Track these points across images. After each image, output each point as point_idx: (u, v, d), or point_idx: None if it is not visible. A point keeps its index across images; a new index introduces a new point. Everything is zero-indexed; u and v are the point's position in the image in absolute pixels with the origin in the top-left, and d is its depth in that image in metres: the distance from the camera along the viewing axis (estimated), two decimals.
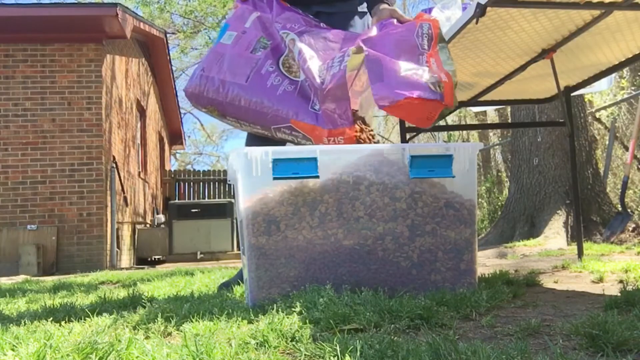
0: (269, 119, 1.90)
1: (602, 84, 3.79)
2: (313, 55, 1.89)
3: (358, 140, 1.85)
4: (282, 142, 2.05)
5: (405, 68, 1.70)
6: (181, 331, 1.29)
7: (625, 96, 7.75)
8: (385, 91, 1.67)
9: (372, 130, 1.93)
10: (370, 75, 1.73)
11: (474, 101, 3.18)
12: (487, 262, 3.69)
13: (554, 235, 4.91)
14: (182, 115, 15.27)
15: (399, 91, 1.65)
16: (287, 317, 1.29)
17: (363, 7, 2.32)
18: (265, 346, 1.09)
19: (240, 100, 1.92)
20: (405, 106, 1.66)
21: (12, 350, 1.10)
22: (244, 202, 1.65)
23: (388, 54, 1.75)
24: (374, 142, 1.91)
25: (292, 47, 1.94)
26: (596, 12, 2.03)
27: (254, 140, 2.20)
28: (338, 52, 1.89)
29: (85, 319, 1.57)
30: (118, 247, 7.25)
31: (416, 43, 1.79)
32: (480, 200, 9.91)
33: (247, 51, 1.98)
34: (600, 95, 8.20)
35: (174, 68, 12.60)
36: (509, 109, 7.71)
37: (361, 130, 1.87)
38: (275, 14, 2.04)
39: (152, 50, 10.04)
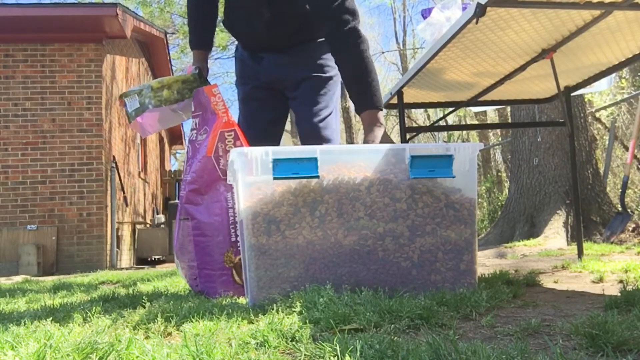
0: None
1: (602, 84, 3.79)
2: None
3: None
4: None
5: None
6: (181, 331, 1.29)
7: (625, 96, 7.75)
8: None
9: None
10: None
11: (474, 101, 3.18)
12: (487, 262, 3.69)
13: (554, 235, 4.90)
14: None
15: None
16: (287, 317, 1.29)
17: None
18: (265, 346, 1.09)
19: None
20: None
21: (12, 350, 1.10)
22: (244, 202, 1.65)
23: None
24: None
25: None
26: (596, 12, 2.03)
27: (254, 141, 2.21)
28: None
29: (85, 319, 1.57)
30: (118, 247, 7.25)
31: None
32: (480, 200, 9.91)
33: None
34: (600, 95, 8.20)
35: (174, 68, 12.58)
36: (509, 109, 7.71)
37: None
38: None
39: (152, 50, 10.04)
